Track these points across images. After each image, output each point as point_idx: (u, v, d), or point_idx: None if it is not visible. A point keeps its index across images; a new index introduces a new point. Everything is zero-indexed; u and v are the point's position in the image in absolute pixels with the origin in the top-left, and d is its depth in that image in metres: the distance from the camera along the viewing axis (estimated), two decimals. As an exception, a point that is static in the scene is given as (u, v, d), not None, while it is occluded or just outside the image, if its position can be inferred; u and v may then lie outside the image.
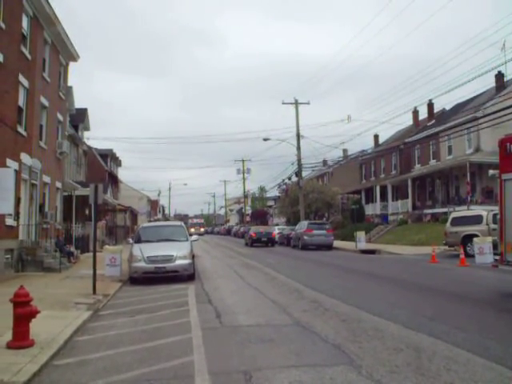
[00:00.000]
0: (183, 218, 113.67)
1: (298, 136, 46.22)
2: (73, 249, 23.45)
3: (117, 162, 57.27)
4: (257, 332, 8.31)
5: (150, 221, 64.65)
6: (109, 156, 50.93)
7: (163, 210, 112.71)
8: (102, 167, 47.01)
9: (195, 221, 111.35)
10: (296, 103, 46.09)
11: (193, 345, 7.45)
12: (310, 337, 7.87)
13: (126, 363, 6.57)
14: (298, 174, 46.99)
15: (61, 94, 25.52)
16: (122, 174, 62.09)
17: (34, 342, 7.22)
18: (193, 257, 16.74)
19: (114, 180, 53.19)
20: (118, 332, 8.62)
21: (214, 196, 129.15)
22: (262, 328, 8.68)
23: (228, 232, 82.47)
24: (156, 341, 7.78)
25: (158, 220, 70.47)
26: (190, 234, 47.11)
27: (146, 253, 15.75)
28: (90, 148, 44.11)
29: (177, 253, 15.91)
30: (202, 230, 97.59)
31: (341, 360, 6.48)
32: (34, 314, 7.27)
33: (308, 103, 46.96)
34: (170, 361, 6.57)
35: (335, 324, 8.83)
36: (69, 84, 28.56)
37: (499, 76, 36.83)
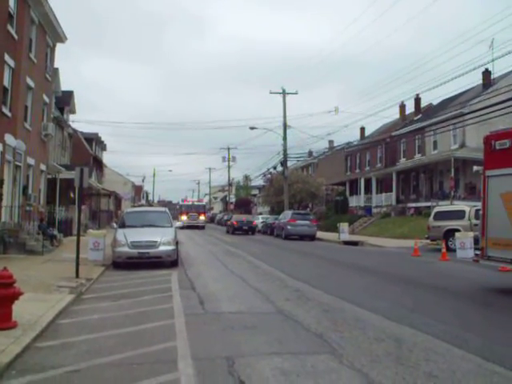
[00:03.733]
0: (167, 204, 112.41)
1: (285, 126, 46.20)
2: (56, 232, 23.27)
3: (102, 146, 56.80)
4: (240, 319, 8.36)
5: (133, 206, 64.44)
6: (94, 140, 50.47)
7: (147, 196, 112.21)
8: (86, 151, 46.57)
9: (191, 201, 62.20)
10: (283, 93, 46.00)
11: (176, 330, 7.48)
12: (292, 325, 7.94)
13: (109, 347, 6.58)
14: (284, 163, 47.06)
15: (47, 75, 25.21)
16: (106, 158, 61.96)
17: (17, 323, 7.20)
18: (176, 243, 16.75)
19: (98, 164, 52.76)
20: (101, 316, 8.62)
21: (198, 183, 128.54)
22: (245, 315, 8.74)
23: (212, 220, 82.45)
24: (139, 325, 7.80)
25: (142, 206, 70.19)
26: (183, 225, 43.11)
27: (130, 238, 15.73)
28: (75, 131, 43.70)
29: (160, 239, 15.90)
30: (203, 218, 54.64)
31: (322, 349, 6.56)
32: (17, 295, 7.23)
33: (296, 93, 46.94)
34: (152, 345, 6.60)
35: (317, 313, 8.90)
36: (55, 66, 28.23)
37: (486, 73, 37.16)
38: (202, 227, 51.91)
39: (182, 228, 44.99)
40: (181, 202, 60.41)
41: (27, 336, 6.83)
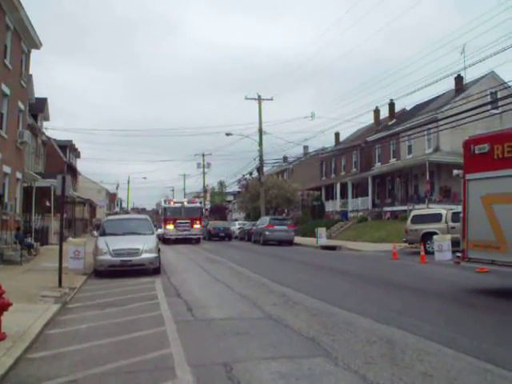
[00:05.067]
0: (140, 211, 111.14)
1: (261, 132, 46.36)
2: (33, 241, 22.93)
3: (76, 153, 56.21)
4: (231, 325, 8.38)
5: (108, 214, 63.85)
6: (68, 147, 49.89)
7: (121, 203, 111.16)
8: (60, 158, 45.98)
9: (179, 202, 40.76)
10: (259, 99, 46.19)
11: (168, 338, 7.46)
12: (283, 330, 7.99)
13: (104, 356, 6.53)
14: (260, 169, 47.20)
15: (22, 82, 24.87)
16: (80, 165, 61.13)
17: (6, 335, 7.10)
18: (158, 250, 16.68)
19: (72, 172, 52.13)
20: (90, 325, 8.54)
21: (172, 190, 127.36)
22: (236, 321, 8.76)
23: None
24: (130, 334, 7.75)
25: (117, 213, 69.58)
26: (166, 237, 35.89)
27: (112, 246, 15.60)
28: (49, 138, 43.14)
29: (143, 246, 15.82)
30: (198, 227, 38.07)
31: (316, 352, 6.62)
32: (6, 306, 7.14)
33: (271, 99, 47.18)
34: (147, 353, 6.57)
35: (306, 317, 8.98)
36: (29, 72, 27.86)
37: (458, 79, 37.93)
38: (197, 241, 36.88)
39: (165, 242, 35.27)
40: (164, 204, 39.21)
41: (18, 347, 6.73)
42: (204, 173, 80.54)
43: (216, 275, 15.92)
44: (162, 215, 38.92)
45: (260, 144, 46.36)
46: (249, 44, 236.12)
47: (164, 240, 34.77)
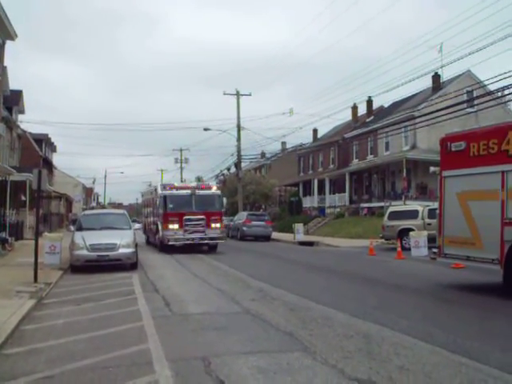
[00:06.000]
0: (117, 206, 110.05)
1: (239, 127, 46.28)
2: (7, 236, 22.56)
3: (52, 147, 55.44)
4: (208, 320, 8.37)
5: (85, 209, 63.12)
6: (44, 141, 49.16)
7: (97, 198, 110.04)
8: (36, 152, 45.30)
9: (188, 187, 24.98)
10: (237, 94, 46.07)
11: (146, 333, 7.43)
12: (261, 325, 8.01)
13: (80, 351, 6.47)
14: (238, 165, 47.19)
15: (-3, 74, 24.44)
16: (57, 159, 60.27)
17: (-20, 330, 6.99)
18: (136, 245, 16.57)
19: (48, 166, 51.41)
20: (67, 320, 8.46)
21: (150, 185, 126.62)
22: (213, 316, 8.76)
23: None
24: (107, 329, 7.69)
25: (93, 208, 68.86)
26: (165, 243, 22.52)
27: (89, 241, 15.47)
28: (24, 132, 42.45)
29: (120, 241, 15.72)
30: (217, 225, 23.86)
31: (294, 346, 6.66)
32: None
33: (250, 95, 47.03)
34: (125, 348, 6.53)
35: (284, 312, 9.02)
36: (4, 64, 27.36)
37: (436, 77, 38.37)
38: (213, 248, 24.25)
39: (165, 249, 23.22)
40: (162, 191, 24.65)
41: (-8, 343, 6.64)
42: (182, 168, 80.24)
43: (193, 271, 15.89)
44: (159, 208, 24.34)
45: (238, 139, 46.29)
46: (226, 39, 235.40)
47: (162, 247, 23.47)
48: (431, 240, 17.65)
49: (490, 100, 27.48)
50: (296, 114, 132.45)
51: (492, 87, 28.01)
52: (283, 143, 61.05)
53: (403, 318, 8.40)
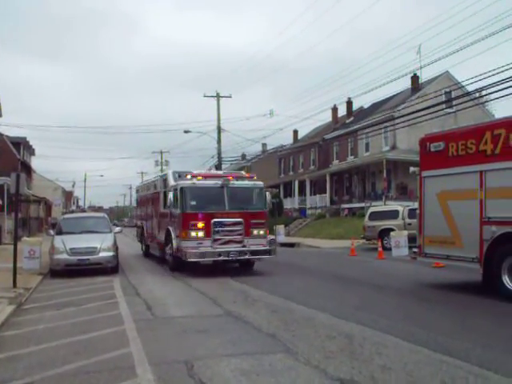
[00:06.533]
0: (97, 209, 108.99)
1: (219, 129, 46.17)
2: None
3: (30, 150, 54.85)
4: (191, 323, 8.34)
5: (64, 212, 62.43)
6: (22, 144, 48.64)
7: (77, 202, 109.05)
8: (14, 155, 44.81)
9: (218, 175, 16.94)
10: (217, 96, 45.98)
11: (128, 337, 7.37)
12: (243, 327, 8.01)
13: (61, 356, 6.40)
14: (218, 167, 47.11)
15: (-27, 76, 24.07)
16: (35, 163, 59.56)
17: (-42, 337, 6.87)
18: (116, 249, 16.44)
19: (27, 169, 50.82)
20: (47, 326, 8.35)
21: (130, 188, 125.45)
22: (195, 319, 8.73)
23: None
24: (89, 333, 7.62)
25: (73, 212, 68.16)
26: (177, 255, 15.63)
27: (69, 244, 15.32)
28: (1, 135, 41.92)
29: (100, 245, 15.59)
30: (261, 233, 15.99)
31: (277, 348, 6.67)
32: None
33: (230, 96, 46.97)
34: (106, 353, 6.48)
35: (266, 314, 9.02)
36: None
37: (415, 78, 38.75)
38: (251, 265, 17.10)
39: (177, 269, 16.29)
40: (175, 182, 17.12)
41: (-29, 349, 6.53)
42: (162, 170, 79.82)
43: (175, 274, 15.78)
44: (171, 207, 16.55)
45: (218, 141, 46.19)
46: (207, 41, 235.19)
47: (177, 265, 16.33)
48: (412, 240, 17.77)
49: (469, 101, 27.86)
50: (276, 116, 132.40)
51: (470, 88, 28.44)
52: (264, 145, 61.13)
53: (385, 318, 8.46)
